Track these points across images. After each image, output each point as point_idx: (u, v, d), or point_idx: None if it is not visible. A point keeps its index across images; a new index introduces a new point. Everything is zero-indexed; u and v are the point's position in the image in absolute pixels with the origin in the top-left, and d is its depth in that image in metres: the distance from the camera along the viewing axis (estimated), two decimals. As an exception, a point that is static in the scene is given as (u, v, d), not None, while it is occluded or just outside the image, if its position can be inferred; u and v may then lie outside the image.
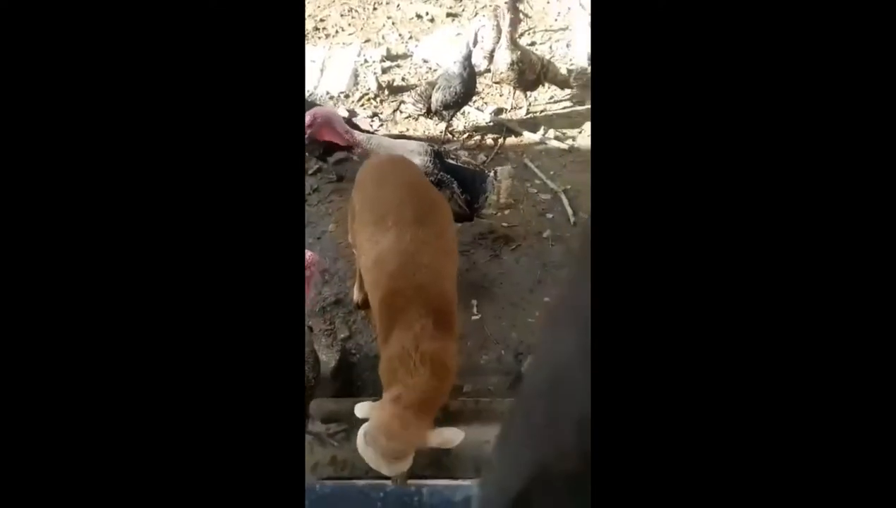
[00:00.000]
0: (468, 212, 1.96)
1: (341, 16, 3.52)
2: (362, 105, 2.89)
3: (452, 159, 2.08)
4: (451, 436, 1.20)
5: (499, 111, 2.87)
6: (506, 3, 2.64)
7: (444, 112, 2.60)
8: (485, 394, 1.78)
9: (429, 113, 2.64)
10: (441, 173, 1.93)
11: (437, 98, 2.55)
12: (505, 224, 2.33)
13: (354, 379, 1.84)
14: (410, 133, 2.78)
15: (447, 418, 1.59)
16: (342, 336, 1.95)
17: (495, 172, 1.99)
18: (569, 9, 3.36)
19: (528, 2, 2.82)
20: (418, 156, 1.93)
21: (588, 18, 3.06)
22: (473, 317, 2.02)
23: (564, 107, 2.90)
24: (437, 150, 2.04)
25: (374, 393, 1.77)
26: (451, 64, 2.61)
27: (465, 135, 2.77)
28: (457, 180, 1.94)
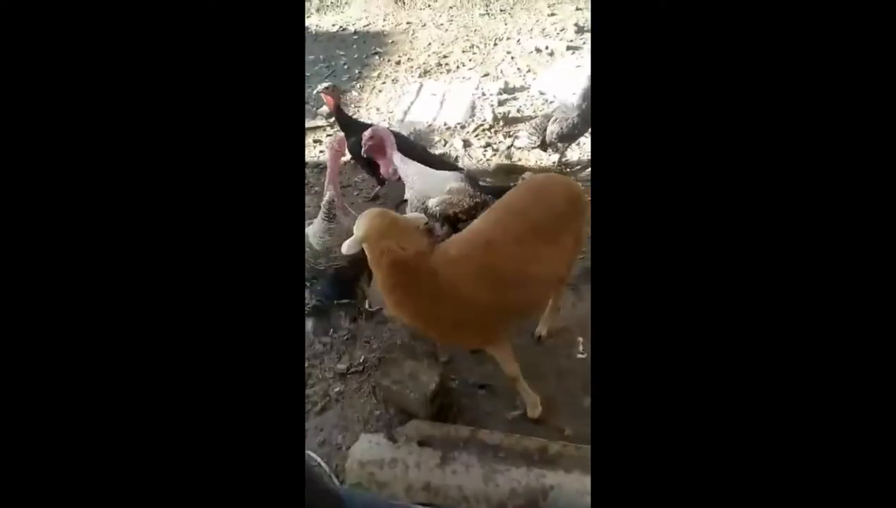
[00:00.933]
0: None
1: (463, 52, 3.69)
2: (477, 135, 2.97)
3: (483, 181, 2.09)
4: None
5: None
6: None
7: (559, 144, 2.58)
8: (587, 441, 1.66)
9: (543, 145, 2.63)
10: (484, 195, 1.98)
11: (552, 130, 2.54)
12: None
13: (452, 404, 1.83)
14: (522, 163, 2.79)
15: (543, 461, 1.50)
16: (443, 359, 1.97)
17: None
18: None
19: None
20: (455, 183, 1.99)
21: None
22: (579, 356, 1.92)
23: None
24: (472, 175, 2.08)
25: (471, 422, 1.74)
26: (569, 95, 2.59)
27: (578, 167, 2.70)
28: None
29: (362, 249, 1.32)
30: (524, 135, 2.76)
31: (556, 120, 2.54)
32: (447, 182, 2.01)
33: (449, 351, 2.01)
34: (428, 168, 2.09)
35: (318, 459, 1.57)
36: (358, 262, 1.73)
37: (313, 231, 1.90)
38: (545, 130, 2.57)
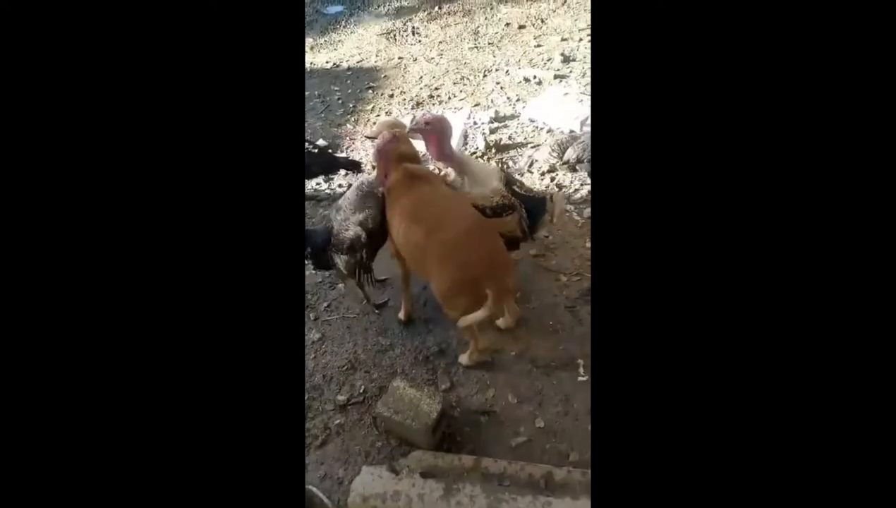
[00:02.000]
0: (528, 235, 2.08)
1: (454, 83, 3.79)
2: (470, 163, 3.02)
3: (517, 188, 2.12)
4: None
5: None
6: None
7: (577, 165, 2.65)
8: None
9: (562, 163, 2.69)
10: (512, 198, 2.02)
11: (570, 153, 2.60)
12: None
13: (455, 432, 1.80)
14: (516, 187, 2.83)
15: (550, 487, 1.47)
16: (444, 387, 1.95)
17: (551, 196, 2.11)
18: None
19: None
20: (496, 182, 2.03)
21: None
22: (580, 379, 1.90)
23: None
24: (510, 179, 2.13)
25: (475, 451, 1.71)
26: (572, 122, 2.67)
27: (573, 190, 2.74)
28: (525, 207, 2.04)
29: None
30: (545, 150, 2.82)
31: (577, 146, 2.61)
32: (492, 179, 2.05)
33: (448, 377, 1.99)
34: (478, 161, 2.11)
35: (321, 494, 1.54)
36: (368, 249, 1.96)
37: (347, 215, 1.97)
38: (565, 151, 2.63)
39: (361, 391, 1.98)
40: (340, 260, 1.98)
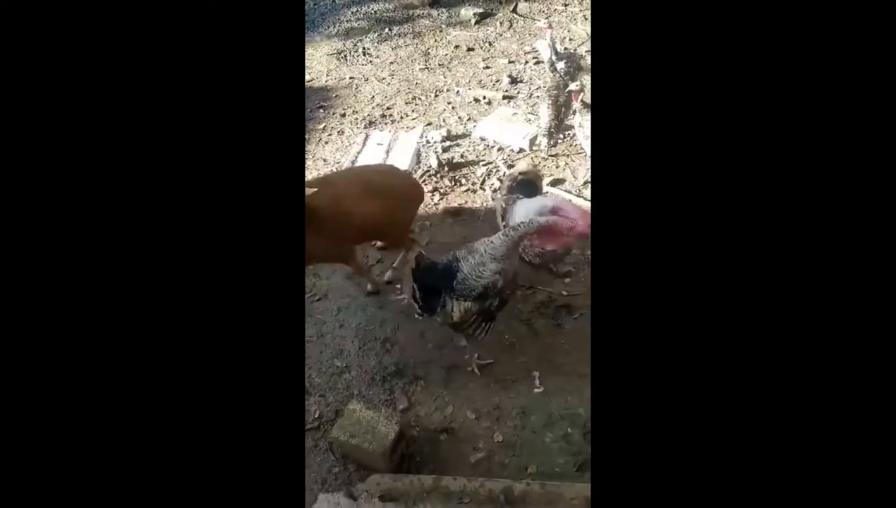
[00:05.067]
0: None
1: (406, 103, 3.84)
2: (424, 181, 3.05)
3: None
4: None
5: (557, 182, 2.93)
6: (567, 90, 2.83)
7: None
8: (551, 477, 1.65)
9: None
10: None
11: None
12: (565, 292, 2.27)
13: (414, 453, 1.77)
14: (468, 204, 2.88)
15: (510, 501, 1.47)
16: (402, 407, 1.92)
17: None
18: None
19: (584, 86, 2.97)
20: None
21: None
22: (536, 391, 1.93)
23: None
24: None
25: (434, 470, 1.69)
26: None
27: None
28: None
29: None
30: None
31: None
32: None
33: (406, 396, 1.96)
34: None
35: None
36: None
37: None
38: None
39: (316, 416, 1.92)
40: (458, 307, 1.77)
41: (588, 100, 2.90)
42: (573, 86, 2.84)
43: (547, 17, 4.59)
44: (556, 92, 2.99)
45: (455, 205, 2.89)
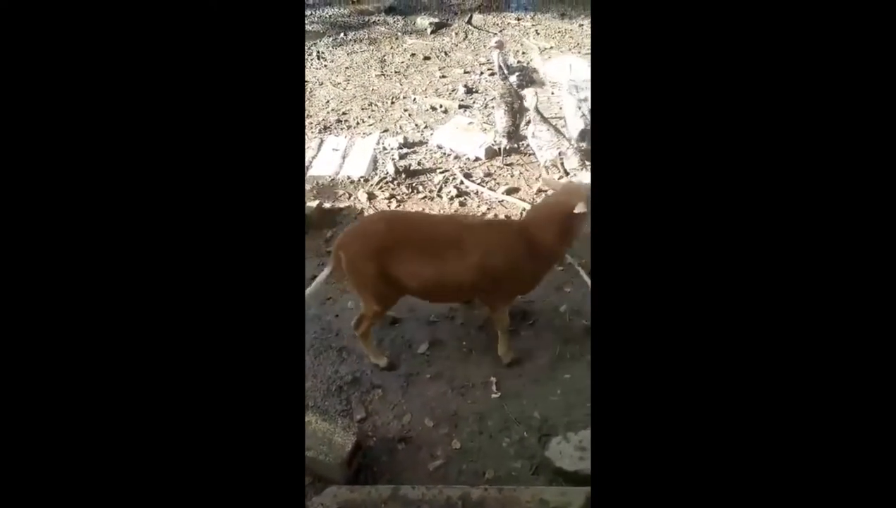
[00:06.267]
0: None
1: (362, 109, 3.81)
2: (381, 188, 3.03)
3: None
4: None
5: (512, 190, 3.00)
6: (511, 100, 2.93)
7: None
8: (508, 481, 1.68)
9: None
10: None
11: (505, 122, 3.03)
12: (521, 298, 2.33)
13: (371, 463, 1.75)
14: (427, 211, 2.89)
15: (468, 507, 1.48)
16: (359, 417, 1.90)
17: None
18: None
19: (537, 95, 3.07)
20: None
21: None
22: (493, 396, 1.96)
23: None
24: None
25: (392, 479, 1.68)
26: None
27: (480, 214, 2.87)
28: None
29: None
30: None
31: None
32: None
33: (363, 406, 1.94)
34: None
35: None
36: None
37: None
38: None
39: (269, 429, 1.86)
40: None
41: (541, 109, 3.00)
42: (493, 43, 3.04)
43: (500, 30, 4.72)
44: (510, 99, 3.07)
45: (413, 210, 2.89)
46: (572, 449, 1.67)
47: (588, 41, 4.39)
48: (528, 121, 2.97)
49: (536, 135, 2.90)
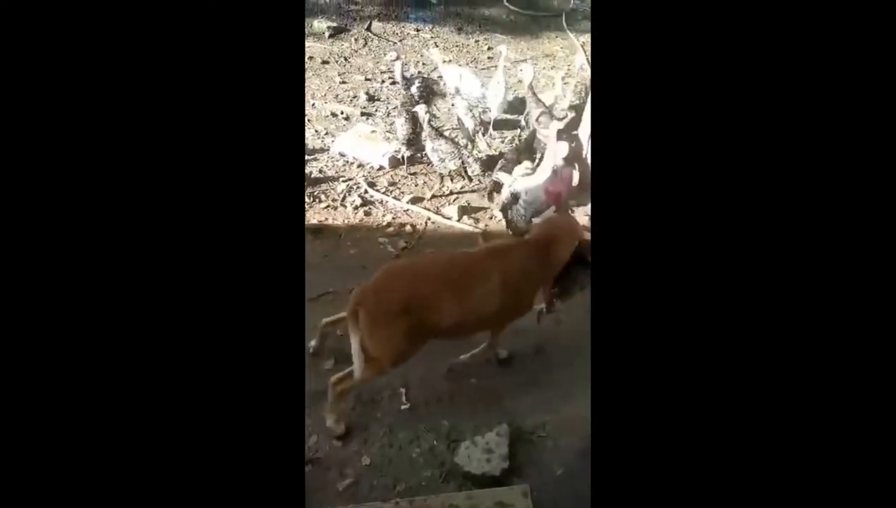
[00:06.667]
0: None
1: (256, 113, 3.60)
2: (279, 197, 2.89)
3: None
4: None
5: (416, 199, 3.03)
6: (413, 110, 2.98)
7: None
8: (419, 491, 1.68)
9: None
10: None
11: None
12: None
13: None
14: (329, 222, 2.81)
15: (381, 524, 1.46)
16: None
17: None
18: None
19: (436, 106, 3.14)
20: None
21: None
22: (403, 407, 1.96)
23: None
24: None
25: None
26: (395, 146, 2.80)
27: (385, 223, 2.86)
28: None
29: None
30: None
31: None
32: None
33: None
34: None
35: None
36: None
37: None
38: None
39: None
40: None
41: (439, 119, 3.07)
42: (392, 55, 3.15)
43: (400, 39, 4.75)
44: (411, 107, 3.10)
45: (315, 222, 2.79)
46: (479, 452, 1.72)
47: (485, 56, 4.60)
48: (426, 137, 3.01)
49: (436, 149, 2.97)
